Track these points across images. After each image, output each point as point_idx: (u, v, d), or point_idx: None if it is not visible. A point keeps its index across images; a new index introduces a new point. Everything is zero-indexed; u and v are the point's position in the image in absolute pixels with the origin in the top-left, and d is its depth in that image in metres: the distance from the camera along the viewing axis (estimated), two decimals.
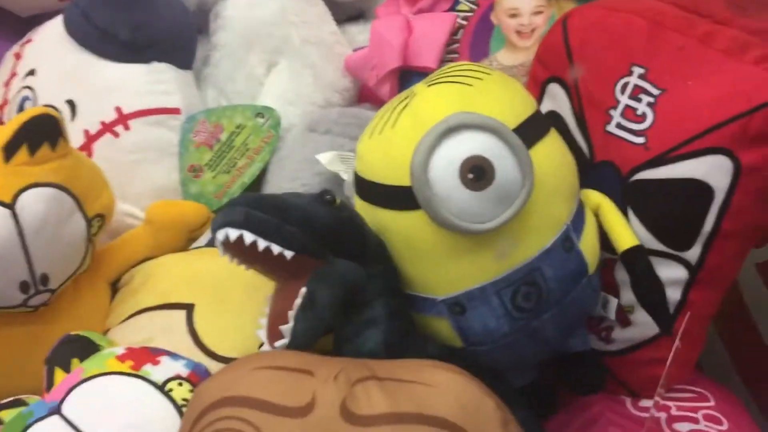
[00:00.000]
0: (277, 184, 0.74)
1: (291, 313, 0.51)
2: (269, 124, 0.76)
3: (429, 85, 0.59)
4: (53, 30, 0.77)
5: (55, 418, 0.48)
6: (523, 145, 0.54)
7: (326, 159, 0.68)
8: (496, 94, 0.58)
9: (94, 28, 0.73)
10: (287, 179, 0.73)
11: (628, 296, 0.64)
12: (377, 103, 0.85)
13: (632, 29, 0.64)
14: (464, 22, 0.80)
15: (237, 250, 0.52)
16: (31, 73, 0.76)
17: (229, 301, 0.62)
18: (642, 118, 0.62)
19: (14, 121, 0.57)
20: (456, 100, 0.56)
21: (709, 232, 0.60)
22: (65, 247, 0.59)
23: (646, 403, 0.67)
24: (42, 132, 0.57)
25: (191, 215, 0.70)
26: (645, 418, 0.64)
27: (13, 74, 0.78)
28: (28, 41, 0.80)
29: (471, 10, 0.81)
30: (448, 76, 0.59)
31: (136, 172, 0.73)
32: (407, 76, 0.81)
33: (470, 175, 0.52)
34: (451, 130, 0.53)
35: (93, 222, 0.61)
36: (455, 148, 0.53)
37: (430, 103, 0.57)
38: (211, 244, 0.70)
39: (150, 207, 0.70)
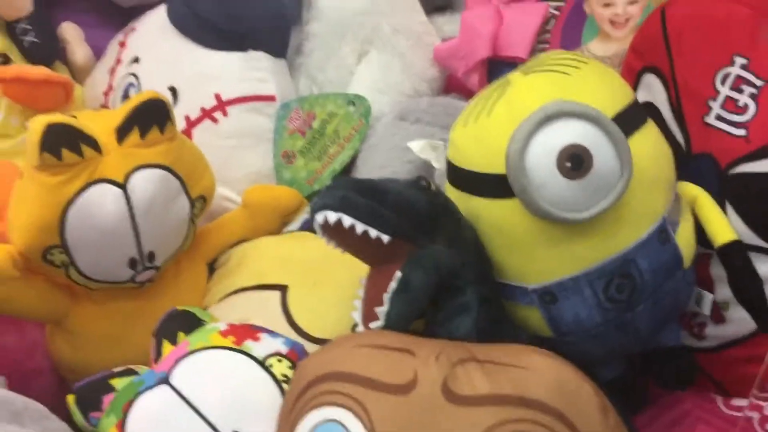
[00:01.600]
0: (367, 172, 0.75)
1: (386, 296, 0.52)
2: (360, 112, 0.77)
3: (525, 74, 0.59)
4: (156, 19, 0.81)
5: (164, 387, 0.51)
6: (622, 134, 0.53)
7: (418, 147, 0.69)
8: (594, 83, 0.58)
9: (195, 16, 0.76)
10: (377, 167, 0.74)
11: (723, 292, 0.63)
12: (465, 93, 0.85)
13: (735, 18, 0.62)
14: (557, 12, 0.80)
15: (335, 233, 0.53)
16: (136, 60, 0.80)
17: (321, 283, 0.64)
18: (743, 109, 0.61)
19: (126, 105, 0.60)
20: (553, 89, 0.56)
21: None
22: (171, 226, 0.62)
23: (738, 402, 0.65)
24: (152, 115, 0.59)
25: (285, 200, 0.72)
26: (737, 417, 0.62)
27: (118, 61, 0.82)
28: (132, 30, 0.84)
29: (564, 0, 0.80)
30: (545, 65, 0.59)
31: (233, 157, 0.76)
32: (496, 66, 0.82)
33: (568, 164, 0.52)
34: (549, 117, 0.53)
35: (196, 203, 0.64)
36: (553, 136, 0.53)
37: (526, 92, 0.57)
38: (303, 228, 0.72)
39: (247, 191, 0.72)
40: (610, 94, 0.57)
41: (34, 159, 0.56)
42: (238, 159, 0.76)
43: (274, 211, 0.72)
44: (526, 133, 0.53)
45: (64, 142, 0.55)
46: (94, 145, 0.57)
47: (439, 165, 0.68)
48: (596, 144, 0.52)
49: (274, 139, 0.76)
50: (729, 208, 0.61)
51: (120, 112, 0.60)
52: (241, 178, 0.75)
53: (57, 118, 0.56)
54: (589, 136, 0.53)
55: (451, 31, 0.96)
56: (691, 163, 0.63)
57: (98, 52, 0.89)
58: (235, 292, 0.66)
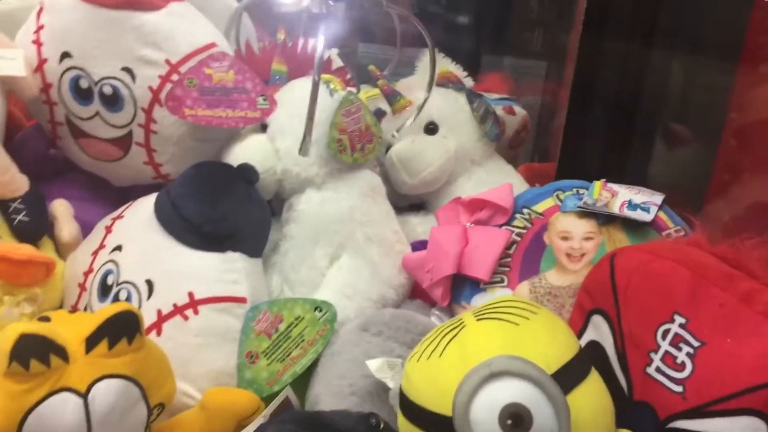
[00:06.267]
0: (326, 379, 0.77)
1: None
2: (326, 317, 0.81)
3: (478, 319, 0.63)
4: (143, 210, 0.84)
5: None
6: (562, 396, 0.56)
7: (375, 366, 0.72)
8: (541, 336, 0.61)
9: (180, 217, 0.79)
10: (336, 376, 0.76)
11: None
12: (429, 301, 0.90)
13: (676, 278, 0.67)
14: (518, 238, 0.85)
15: None
16: (118, 248, 0.83)
17: None
18: (681, 366, 0.64)
19: (98, 314, 0.62)
20: (501, 339, 0.60)
21: None
22: None
23: None
24: (122, 328, 0.62)
25: (243, 404, 0.74)
26: None
27: (102, 246, 0.85)
28: (120, 217, 0.87)
29: (525, 227, 0.86)
30: (498, 312, 0.63)
31: (197, 354, 0.77)
32: (459, 279, 0.86)
33: (509, 421, 0.55)
34: (493, 375, 0.56)
35: (154, 410, 0.65)
36: (497, 394, 0.56)
37: (477, 339, 0.61)
38: None
39: (206, 393, 0.73)
40: (555, 348, 0.61)
41: (2, 366, 0.58)
42: (203, 357, 0.77)
43: (231, 415, 0.73)
44: (472, 387, 0.56)
45: (33, 353, 0.58)
46: (62, 355, 0.59)
47: (393, 385, 0.70)
48: (536, 404, 0.56)
49: (240, 339, 0.78)
50: None
51: (92, 320, 0.62)
52: (203, 375, 0.76)
53: (30, 327, 0.58)
54: (530, 396, 0.56)
55: (423, 232, 1.02)
56: (631, 410, 0.66)
57: (87, 226, 0.92)
58: None
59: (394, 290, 0.89)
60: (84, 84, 0.89)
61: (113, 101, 0.89)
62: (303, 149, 0.84)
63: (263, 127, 0.92)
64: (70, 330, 0.62)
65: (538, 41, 1.73)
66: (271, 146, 0.90)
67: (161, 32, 0.87)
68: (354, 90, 0.95)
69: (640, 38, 1.26)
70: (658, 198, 0.84)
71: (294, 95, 0.92)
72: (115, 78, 0.88)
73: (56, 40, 0.88)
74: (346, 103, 0.88)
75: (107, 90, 0.88)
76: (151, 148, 0.91)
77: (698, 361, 0.64)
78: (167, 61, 0.87)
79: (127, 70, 0.87)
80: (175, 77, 0.87)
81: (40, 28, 0.89)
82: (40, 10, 0.90)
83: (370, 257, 0.88)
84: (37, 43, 0.89)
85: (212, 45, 0.89)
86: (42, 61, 0.89)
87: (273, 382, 0.78)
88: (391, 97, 1.06)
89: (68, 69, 0.89)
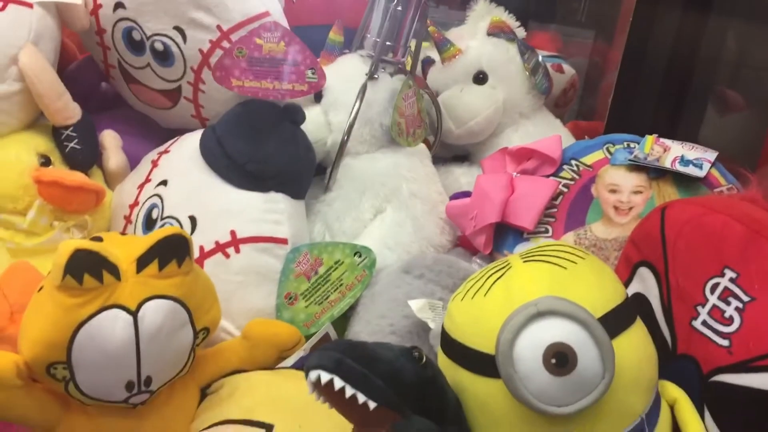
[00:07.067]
0: (366, 318, 0.78)
1: None
2: (365, 263, 0.81)
3: (525, 261, 0.63)
4: (189, 147, 0.85)
5: None
6: (608, 339, 0.56)
7: (417, 306, 0.72)
8: (588, 280, 0.61)
9: (225, 155, 0.80)
10: (376, 315, 0.77)
11: None
12: (471, 249, 0.89)
13: (729, 232, 0.66)
14: (565, 189, 0.84)
15: (325, 391, 0.56)
16: (163, 183, 0.84)
17: (307, 427, 0.66)
18: (729, 321, 0.64)
19: (150, 236, 0.63)
20: (548, 281, 0.60)
21: None
22: (172, 354, 0.65)
23: None
24: (172, 250, 0.63)
25: (285, 336, 0.75)
26: None
27: (148, 179, 0.86)
28: (166, 152, 0.88)
29: (573, 179, 0.85)
30: (544, 255, 0.63)
31: (237, 292, 0.78)
32: (502, 228, 0.86)
33: (553, 360, 0.55)
34: (540, 314, 0.56)
35: (199, 334, 0.67)
36: (542, 333, 0.56)
37: (523, 280, 0.60)
38: (297, 366, 0.74)
39: (249, 324, 0.75)
40: (601, 293, 0.60)
41: (56, 279, 0.59)
42: (242, 295, 0.78)
43: (273, 346, 0.74)
44: (517, 325, 0.56)
45: (87, 268, 0.59)
46: (115, 272, 0.61)
47: (434, 326, 0.71)
48: (582, 345, 0.55)
49: (279, 280, 0.79)
50: (707, 414, 0.63)
51: (143, 242, 0.63)
52: (243, 313, 0.77)
53: (85, 244, 0.60)
54: (576, 337, 0.55)
55: (467, 183, 1.02)
56: (675, 363, 0.66)
57: (134, 159, 0.94)
58: (223, 422, 0.68)
59: (434, 249, 0.89)
60: (137, 36, 0.88)
61: (164, 57, 0.88)
62: (328, 185, 0.86)
63: (317, 97, 0.92)
64: (122, 250, 0.63)
65: (585, 10, 1.69)
66: (324, 118, 0.90)
67: None
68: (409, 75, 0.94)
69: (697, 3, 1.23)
70: (711, 155, 0.83)
71: (349, 70, 0.92)
72: (166, 35, 0.87)
73: None
74: (405, 87, 0.88)
75: (158, 46, 0.88)
76: (198, 104, 0.91)
77: (747, 316, 0.63)
78: (218, 27, 0.85)
79: (179, 29, 0.86)
80: (225, 44, 0.86)
81: None
82: None
83: (414, 212, 0.88)
84: None
85: (265, 14, 0.87)
86: (97, 6, 0.89)
87: (310, 324, 0.79)
88: (441, 45, 1.05)
89: (121, 19, 0.88)
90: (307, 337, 0.77)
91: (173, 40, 0.86)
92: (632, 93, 1.29)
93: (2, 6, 0.82)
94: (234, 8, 0.85)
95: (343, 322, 0.81)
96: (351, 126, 0.87)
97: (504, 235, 0.85)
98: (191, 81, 0.88)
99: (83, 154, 0.87)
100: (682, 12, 1.25)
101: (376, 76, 0.90)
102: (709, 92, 1.26)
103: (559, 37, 1.55)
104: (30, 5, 0.83)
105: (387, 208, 0.88)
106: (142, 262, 0.62)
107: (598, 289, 0.61)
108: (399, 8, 0.91)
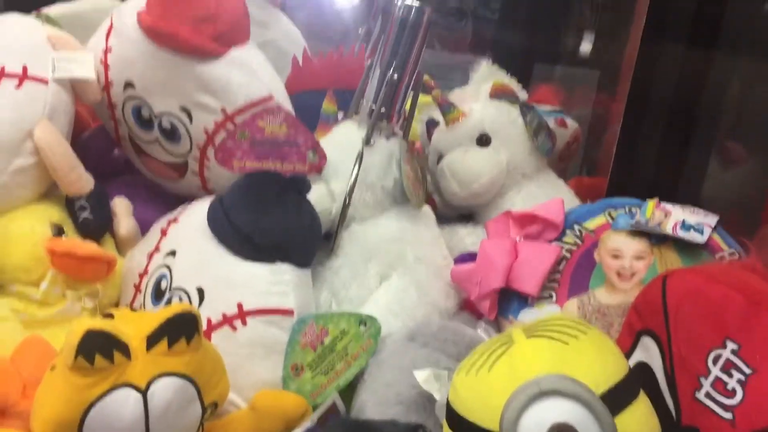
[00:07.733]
0: (372, 387, 0.78)
1: None
2: (370, 332, 0.81)
3: (528, 337, 0.64)
4: (197, 217, 0.86)
5: None
6: (610, 417, 0.57)
7: (422, 377, 0.72)
8: (590, 355, 0.62)
9: (231, 226, 0.81)
10: (383, 384, 0.77)
11: None
12: (476, 314, 0.90)
13: (729, 303, 0.67)
14: (568, 255, 0.86)
15: None
16: (172, 253, 0.85)
17: None
18: (732, 393, 0.64)
19: (160, 314, 0.65)
20: (551, 358, 0.61)
21: None
22: (181, 430, 0.66)
23: None
24: (182, 328, 0.64)
25: (292, 408, 0.76)
26: None
27: (157, 249, 0.88)
28: (175, 221, 0.90)
29: (575, 244, 0.86)
30: (547, 330, 0.64)
31: (244, 365, 0.78)
32: (507, 293, 0.86)
33: None
34: (543, 393, 0.57)
35: (207, 409, 0.68)
36: (545, 412, 0.57)
37: (526, 356, 0.61)
38: None
39: (257, 395, 0.75)
40: (604, 369, 0.61)
41: (69, 360, 0.60)
42: (249, 368, 0.78)
43: (280, 417, 0.75)
44: (521, 405, 0.57)
45: (98, 349, 0.60)
46: (125, 352, 0.62)
47: (440, 397, 0.71)
48: (584, 425, 0.56)
49: (286, 351, 0.79)
50: None
51: (153, 319, 0.65)
52: (249, 385, 0.77)
53: (96, 324, 0.61)
54: (579, 416, 0.56)
55: (472, 243, 1.03)
56: None
57: (144, 225, 0.95)
58: None
59: (439, 314, 0.90)
60: (145, 114, 0.91)
61: (171, 134, 0.90)
62: (332, 247, 0.88)
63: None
64: (132, 328, 0.64)
65: (591, 50, 1.72)
66: (326, 188, 0.92)
67: (219, 82, 0.86)
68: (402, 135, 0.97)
69: (700, 51, 1.25)
70: (712, 219, 0.84)
71: (345, 138, 0.94)
72: (173, 115, 0.89)
73: (121, 68, 0.89)
74: (403, 149, 0.90)
75: (166, 124, 0.90)
76: (205, 178, 0.93)
77: (749, 389, 0.63)
78: (223, 110, 0.87)
79: (185, 110, 0.88)
80: (229, 126, 0.88)
81: (108, 50, 0.90)
82: (110, 29, 0.91)
83: (419, 277, 0.89)
84: (105, 65, 0.90)
85: (268, 98, 0.88)
86: (108, 84, 0.91)
87: (316, 395, 0.80)
88: (445, 108, 1.07)
89: (131, 97, 0.90)
90: (314, 407, 0.77)
91: (179, 120, 0.89)
92: (635, 146, 1.31)
93: (18, 83, 0.85)
94: (239, 92, 0.87)
95: (349, 389, 0.81)
96: (351, 191, 0.89)
97: (509, 300, 0.86)
98: (197, 157, 0.91)
99: (95, 224, 0.89)
100: (685, 60, 1.27)
101: (372, 142, 0.92)
102: (713, 144, 1.28)
103: (561, 90, 1.57)
104: (45, 81, 0.86)
105: (392, 274, 0.89)
106: (152, 340, 0.64)
107: (600, 365, 0.62)
108: (395, 76, 0.93)
